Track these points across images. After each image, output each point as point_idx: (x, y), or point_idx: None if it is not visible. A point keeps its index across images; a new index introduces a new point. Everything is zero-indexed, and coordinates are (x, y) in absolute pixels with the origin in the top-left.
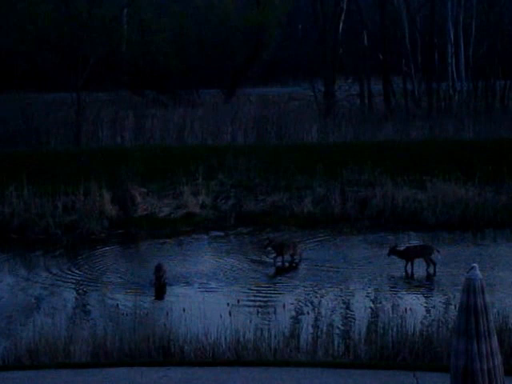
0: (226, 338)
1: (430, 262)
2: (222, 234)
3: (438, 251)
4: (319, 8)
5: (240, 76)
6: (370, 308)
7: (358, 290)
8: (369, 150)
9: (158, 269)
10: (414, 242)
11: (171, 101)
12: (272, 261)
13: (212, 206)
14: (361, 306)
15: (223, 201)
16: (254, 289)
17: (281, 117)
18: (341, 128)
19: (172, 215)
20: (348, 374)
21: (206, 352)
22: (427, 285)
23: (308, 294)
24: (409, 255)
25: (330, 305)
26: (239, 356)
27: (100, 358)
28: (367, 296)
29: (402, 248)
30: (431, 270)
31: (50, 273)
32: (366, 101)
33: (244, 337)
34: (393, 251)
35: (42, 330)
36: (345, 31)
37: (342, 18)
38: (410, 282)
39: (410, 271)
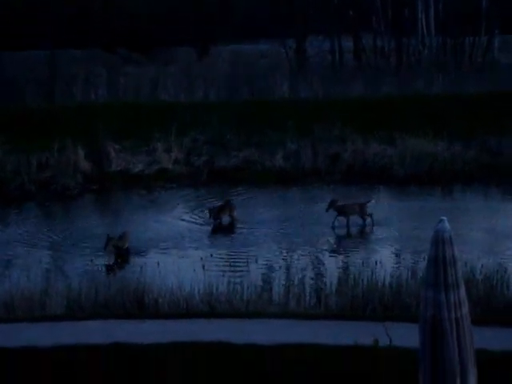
0: (199, 291)
1: (365, 217)
2: (193, 190)
3: (372, 200)
4: None
5: (212, 33)
6: (341, 262)
7: (328, 245)
8: (340, 107)
9: (120, 239)
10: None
11: (144, 58)
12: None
13: (185, 162)
14: (331, 260)
15: (196, 157)
16: (225, 247)
17: (252, 74)
18: (312, 84)
19: (145, 171)
20: (319, 325)
21: (179, 305)
22: (395, 239)
23: (279, 250)
24: (346, 212)
25: (300, 260)
26: (212, 308)
27: (75, 311)
28: (336, 251)
29: (340, 204)
30: (367, 230)
31: (25, 229)
32: (337, 57)
33: (217, 290)
34: (332, 205)
35: (17, 284)
36: None
37: None
38: (378, 236)
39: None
